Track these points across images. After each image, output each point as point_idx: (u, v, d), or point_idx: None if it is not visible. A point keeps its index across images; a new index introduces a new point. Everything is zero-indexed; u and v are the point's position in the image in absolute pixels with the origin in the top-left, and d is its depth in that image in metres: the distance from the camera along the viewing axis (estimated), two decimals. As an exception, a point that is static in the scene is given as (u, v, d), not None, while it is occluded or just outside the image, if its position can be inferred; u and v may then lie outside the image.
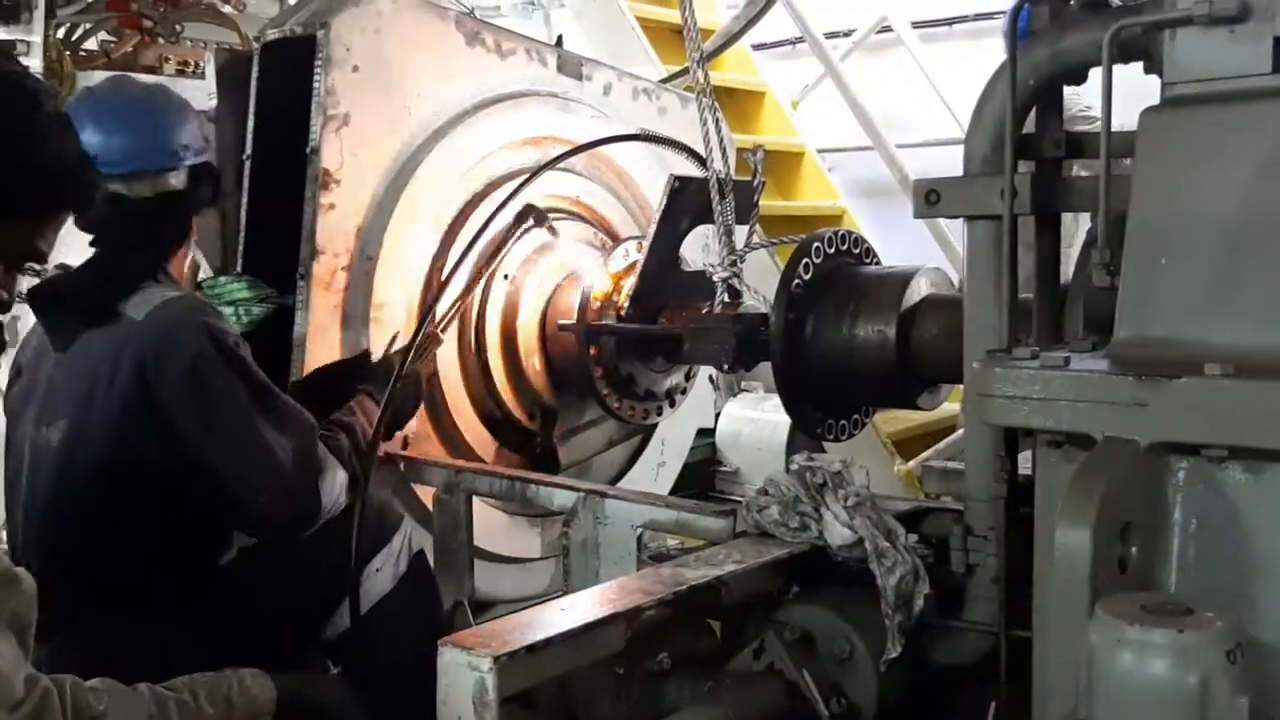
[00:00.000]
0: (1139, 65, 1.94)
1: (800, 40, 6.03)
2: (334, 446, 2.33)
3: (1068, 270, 2.20)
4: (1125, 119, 1.84)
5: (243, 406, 2.18)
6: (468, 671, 1.59)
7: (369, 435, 2.44)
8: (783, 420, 4.21)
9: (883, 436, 4.76)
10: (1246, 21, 1.73)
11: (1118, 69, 1.84)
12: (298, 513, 2.23)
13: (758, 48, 6.03)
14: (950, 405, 2.85)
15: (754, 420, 4.96)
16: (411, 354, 2.68)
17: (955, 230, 2.21)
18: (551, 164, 3.00)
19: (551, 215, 3.28)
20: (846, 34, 6.42)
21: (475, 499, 2.87)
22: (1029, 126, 2.11)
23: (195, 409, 2.16)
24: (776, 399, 2.68)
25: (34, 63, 3.69)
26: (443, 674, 1.62)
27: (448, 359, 3.07)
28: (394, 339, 2.84)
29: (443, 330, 2.87)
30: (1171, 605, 1.38)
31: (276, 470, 2.18)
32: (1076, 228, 2.95)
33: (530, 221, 3.00)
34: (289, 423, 2.24)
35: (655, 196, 3.03)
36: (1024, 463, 2.04)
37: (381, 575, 2.41)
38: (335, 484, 2.29)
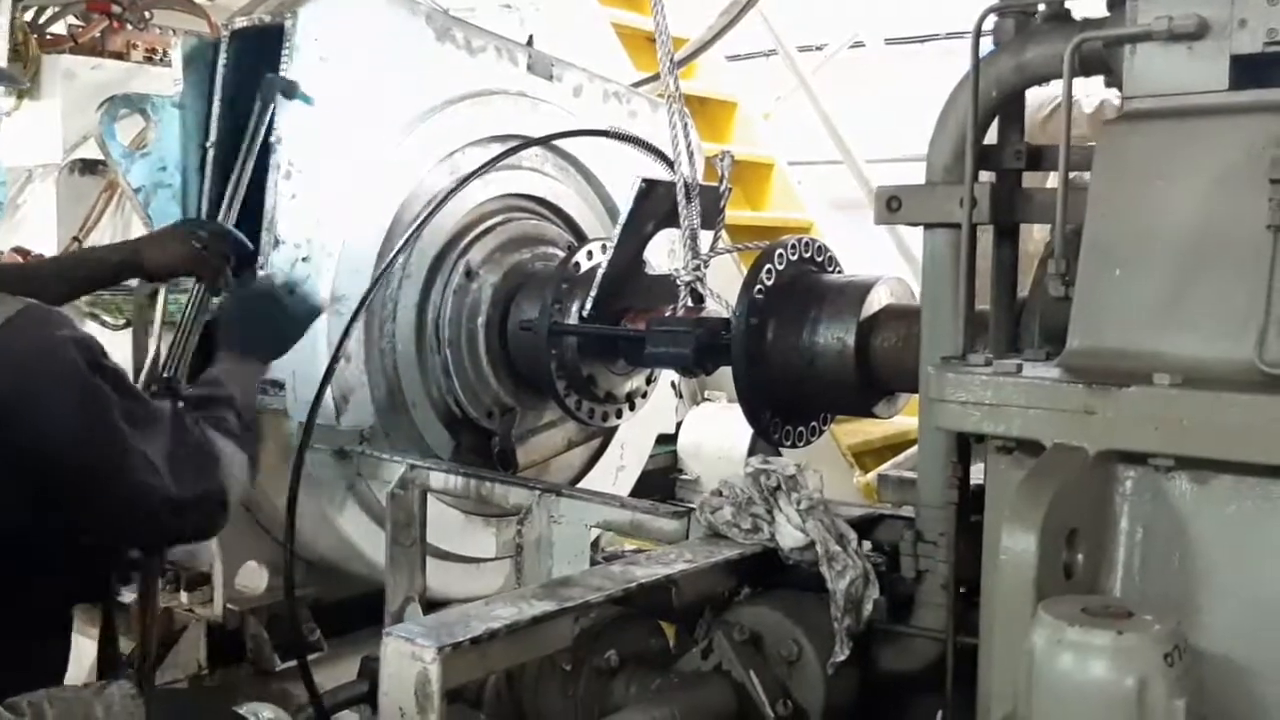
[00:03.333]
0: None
1: (774, 53, 6.06)
2: (223, 427, 2.03)
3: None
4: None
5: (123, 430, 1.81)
6: (411, 662, 1.58)
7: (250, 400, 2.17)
8: (745, 430, 4.22)
9: (843, 448, 4.79)
10: (1205, 38, 1.75)
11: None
12: (196, 523, 1.96)
13: (732, 59, 6.06)
14: (910, 418, 2.87)
15: (716, 429, 4.98)
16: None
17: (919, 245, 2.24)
18: (511, 152, 2.98)
19: (520, 214, 3.29)
20: (820, 49, 6.47)
21: (432, 498, 2.85)
22: (991, 137, 2.13)
23: (78, 446, 1.76)
24: (739, 408, 2.68)
25: (-1, 45, 3.65)
26: (386, 664, 1.61)
27: (406, 357, 3.05)
28: None
29: None
30: (1112, 608, 1.39)
31: (160, 488, 1.84)
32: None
33: (264, 97, 2.67)
34: (159, 429, 1.89)
35: (623, 199, 3.03)
36: (978, 475, 2.05)
37: None
38: (235, 466, 1.99)
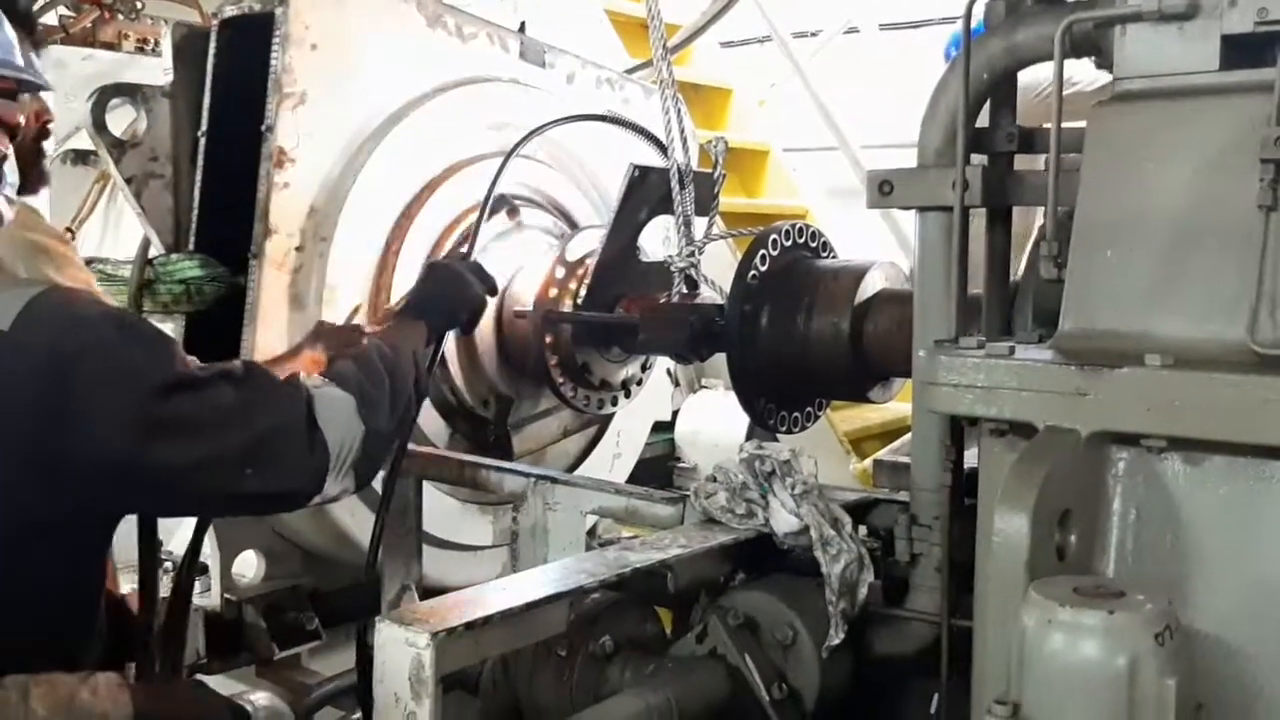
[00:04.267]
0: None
1: (768, 39, 6.05)
2: (336, 373, 1.89)
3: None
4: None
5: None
6: (405, 648, 1.58)
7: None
8: (742, 417, 4.22)
9: (840, 434, 4.79)
10: (1195, 19, 1.75)
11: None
12: (270, 461, 1.73)
13: (726, 45, 6.04)
14: (907, 405, 2.87)
15: (714, 416, 4.98)
16: None
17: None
18: (525, 140, 2.97)
19: (515, 201, 3.28)
20: (814, 35, 6.45)
21: (428, 486, 2.85)
22: (983, 120, 2.13)
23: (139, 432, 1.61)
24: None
25: (-11, 35, 3.64)
26: (380, 651, 1.60)
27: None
28: (355, 310, 2.76)
29: None
30: (1103, 588, 1.39)
31: (212, 450, 1.67)
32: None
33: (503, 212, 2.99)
34: (210, 387, 1.70)
35: (615, 187, 3.02)
36: (973, 458, 2.05)
37: None
38: (331, 403, 1.81)
